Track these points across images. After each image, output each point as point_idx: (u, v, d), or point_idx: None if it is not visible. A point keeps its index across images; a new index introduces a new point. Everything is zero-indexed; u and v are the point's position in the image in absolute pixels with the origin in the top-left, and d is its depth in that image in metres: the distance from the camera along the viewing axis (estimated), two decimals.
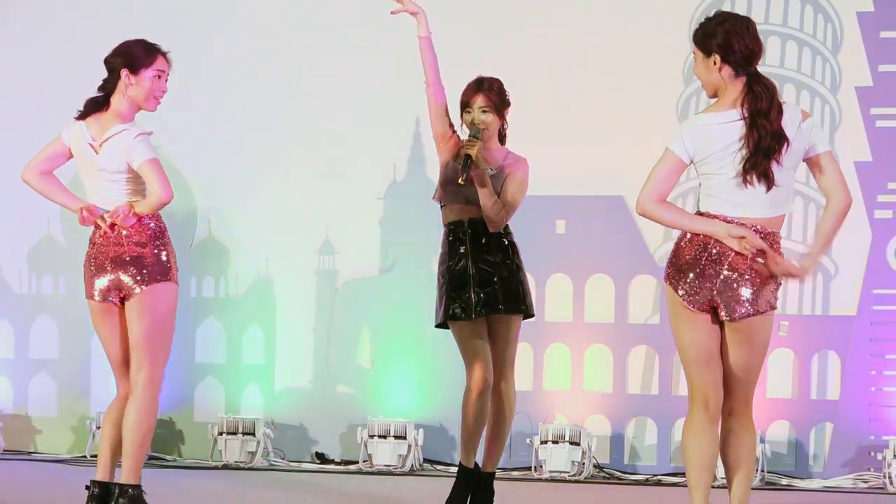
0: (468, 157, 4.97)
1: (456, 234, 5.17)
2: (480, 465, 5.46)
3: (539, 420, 7.72)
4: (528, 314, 5.30)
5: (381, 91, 8.01)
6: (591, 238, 7.88)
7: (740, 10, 7.75)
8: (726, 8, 7.87)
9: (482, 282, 5.09)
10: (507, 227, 5.27)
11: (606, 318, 7.88)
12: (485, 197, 5.04)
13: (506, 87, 5.32)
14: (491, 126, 5.18)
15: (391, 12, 5.31)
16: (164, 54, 4.83)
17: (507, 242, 5.23)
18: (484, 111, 5.15)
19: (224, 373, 8.25)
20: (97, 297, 4.85)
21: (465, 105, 5.18)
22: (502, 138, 5.38)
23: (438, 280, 5.28)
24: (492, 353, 5.18)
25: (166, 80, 4.82)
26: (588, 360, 7.84)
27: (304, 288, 8.16)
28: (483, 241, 5.14)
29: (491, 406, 5.20)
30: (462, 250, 5.13)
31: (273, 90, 8.21)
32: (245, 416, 7.96)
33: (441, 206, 5.30)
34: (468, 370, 5.20)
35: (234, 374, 8.24)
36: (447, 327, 5.28)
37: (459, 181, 4.98)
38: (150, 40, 4.91)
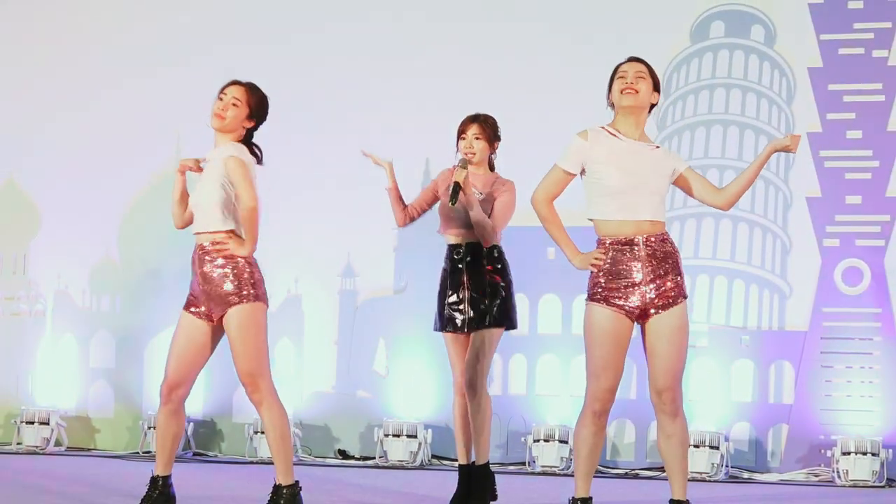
0: (457, 183, 4.94)
1: (454, 255, 5.15)
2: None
3: (532, 421, 7.73)
4: (511, 327, 5.22)
5: (393, 140, 8.01)
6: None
7: (706, 67, 7.93)
8: (694, 65, 7.96)
9: (474, 299, 5.06)
10: (500, 251, 5.19)
11: None
12: (474, 217, 5.02)
13: (499, 124, 5.29)
14: (480, 153, 5.14)
15: (363, 153, 5.19)
16: (237, 83, 4.65)
17: (500, 266, 5.19)
18: (477, 138, 5.13)
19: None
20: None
21: (461, 133, 5.17)
22: (491, 166, 5.32)
23: (440, 292, 5.22)
24: (471, 360, 5.05)
25: (233, 105, 4.58)
26: (575, 368, 7.79)
27: (329, 305, 8.21)
28: (478, 261, 5.11)
29: (469, 409, 5.14)
30: (460, 267, 5.09)
31: (305, 137, 8.22)
32: None
33: (444, 235, 5.33)
34: (454, 375, 5.17)
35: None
36: None
37: (449, 204, 4.95)
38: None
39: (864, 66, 7.55)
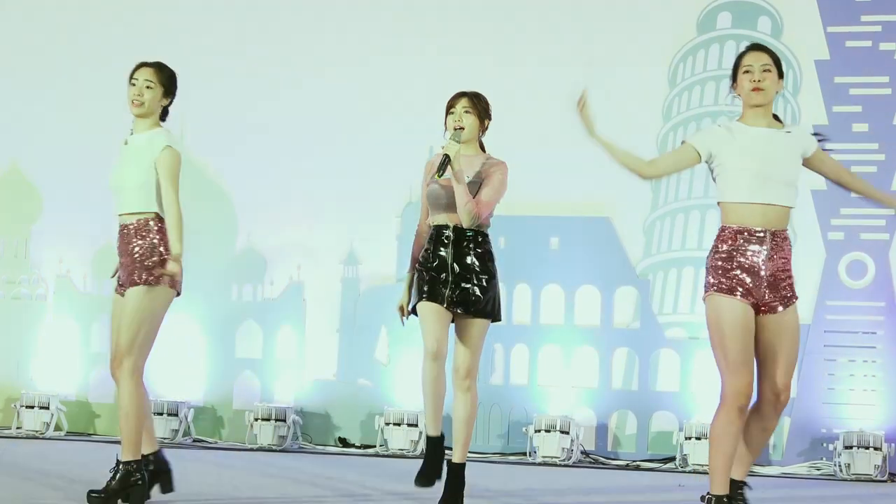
0: (446, 156, 4.64)
1: (440, 235, 4.81)
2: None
3: (534, 412, 7.72)
4: (496, 319, 4.86)
5: (398, 128, 8.01)
6: (580, 253, 7.88)
7: (713, 57, 7.87)
8: (700, 58, 7.91)
9: (458, 282, 4.74)
10: (486, 238, 4.86)
11: (593, 322, 7.85)
12: (459, 195, 4.69)
13: (490, 103, 4.96)
14: (470, 129, 4.81)
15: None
16: (145, 64, 4.70)
17: (482, 251, 4.82)
18: (467, 112, 4.81)
19: (260, 367, 8.25)
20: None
21: (450, 107, 4.85)
22: (482, 148, 4.99)
23: (419, 272, 4.88)
24: (460, 353, 4.80)
25: (147, 87, 4.65)
26: (577, 359, 7.82)
27: (331, 293, 8.16)
28: (463, 245, 4.78)
29: (457, 402, 4.82)
30: (444, 251, 4.77)
31: (307, 126, 8.19)
32: (278, 404, 7.95)
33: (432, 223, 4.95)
34: (427, 342, 4.75)
35: (269, 368, 8.23)
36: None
37: (436, 176, 4.64)
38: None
39: (871, 59, 7.51)
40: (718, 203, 4.29)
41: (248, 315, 8.29)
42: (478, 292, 4.75)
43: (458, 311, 4.76)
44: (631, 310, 7.80)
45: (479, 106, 4.86)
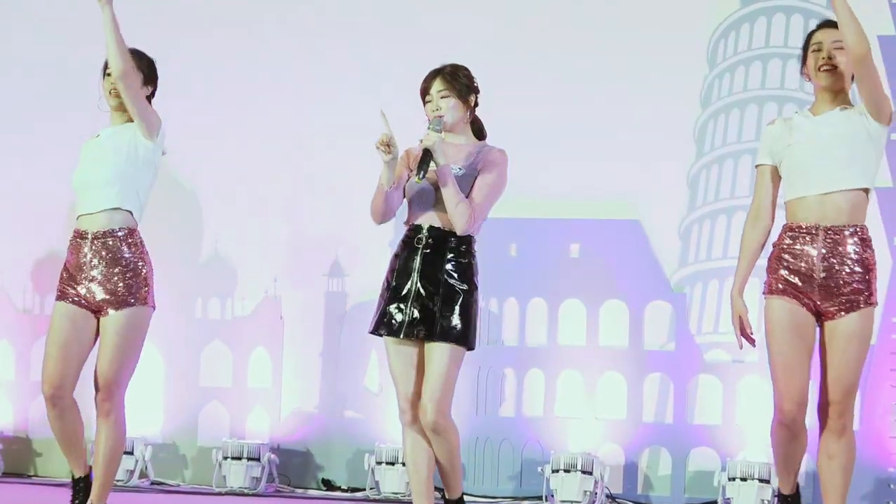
0: (426, 150, 4.42)
1: (412, 239, 4.62)
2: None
3: (551, 448, 7.72)
4: (469, 346, 4.58)
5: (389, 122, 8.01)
6: (605, 262, 7.84)
7: (759, 33, 7.92)
8: (744, 32, 7.95)
9: (421, 300, 4.51)
10: (470, 246, 4.62)
11: (621, 343, 7.82)
12: (448, 197, 4.45)
13: (473, 74, 4.70)
14: (452, 114, 4.57)
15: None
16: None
17: (464, 261, 4.59)
18: (443, 96, 4.56)
19: (229, 396, 8.27)
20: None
21: (424, 94, 4.62)
22: (479, 133, 4.77)
23: (384, 283, 4.69)
24: (425, 385, 4.57)
25: (110, 74, 4.80)
26: (602, 386, 7.82)
27: (313, 310, 8.16)
28: (441, 253, 4.54)
29: (433, 445, 4.62)
30: (414, 259, 4.56)
31: (285, 110, 8.25)
32: (250, 440, 7.97)
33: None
34: (397, 398, 4.68)
35: (240, 398, 8.26)
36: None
37: (415, 178, 4.43)
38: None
39: None
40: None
41: (216, 335, 8.32)
42: (446, 311, 4.51)
43: (421, 333, 4.53)
44: (664, 329, 7.83)
45: (458, 83, 4.59)
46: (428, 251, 4.56)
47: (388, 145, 4.55)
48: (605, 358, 7.85)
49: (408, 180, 4.65)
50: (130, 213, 4.83)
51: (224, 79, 8.30)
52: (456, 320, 4.52)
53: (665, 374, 7.80)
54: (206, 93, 8.07)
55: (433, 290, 4.51)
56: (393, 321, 4.54)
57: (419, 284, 4.52)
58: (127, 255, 4.78)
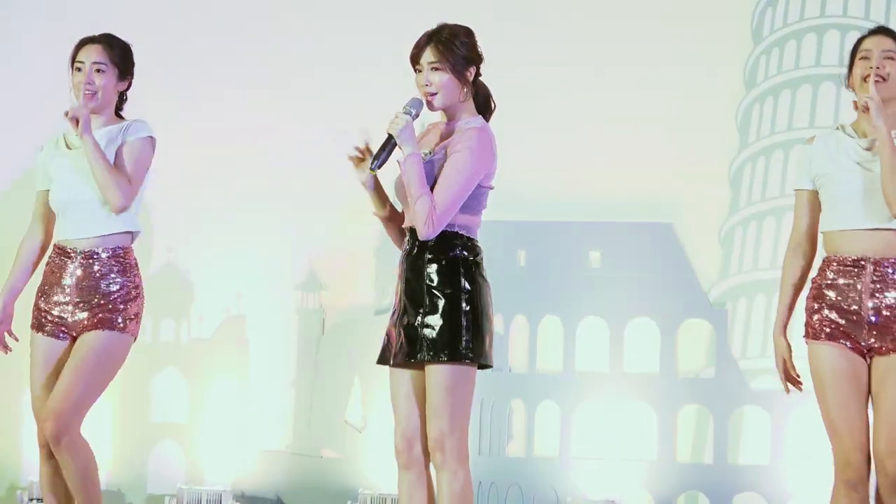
0: (389, 136, 4.28)
1: (405, 246, 4.49)
2: None
3: (567, 495, 7.71)
4: (473, 359, 4.36)
5: (373, 102, 7.95)
6: (631, 273, 7.91)
7: (812, 3, 7.91)
8: (795, 2, 7.96)
9: (409, 317, 4.39)
10: (459, 237, 4.45)
11: (650, 369, 7.91)
12: (408, 190, 4.29)
13: (476, 38, 4.44)
14: (445, 93, 4.39)
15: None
16: (92, 41, 4.88)
17: (451, 258, 4.41)
18: (435, 68, 4.37)
19: (185, 434, 8.25)
20: None
21: (415, 61, 4.41)
22: (485, 104, 4.54)
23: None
24: (434, 422, 4.43)
25: (97, 71, 4.83)
26: (628, 420, 7.87)
27: (284, 330, 8.26)
28: (421, 259, 4.40)
29: (438, 487, 4.47)
30: (403, 270, 4.44)
31: (248, 100, 8.30)
32: (210, 487, 7.93)
33: None
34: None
35: (198, 436, 8.23)
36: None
37: (370, 168, 4.29)
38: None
39: None
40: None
41: (169, 361, 8.30)
42: (431, 322, 4.34)
43: (409, 359, 4.39)
44: (702, 351, 7.89)
45: (453, 55, 4.39)
46: (413, 259, 4.43)
47: (359, 158, 4.43)
48: (631, 387, 7.86)
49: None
50: (125, 231, 4.89)
51: (178, 77, 8.28)
52: (438, 331, 4.33)
53: (703, 405, 7.84)
54: (161, 89, 8.07)
55: (418, 302, 4.39)
56: (388, 345, 4.46)
57: (405, 298, 4.41)
58: (119, 280, 4.84)
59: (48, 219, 4.89)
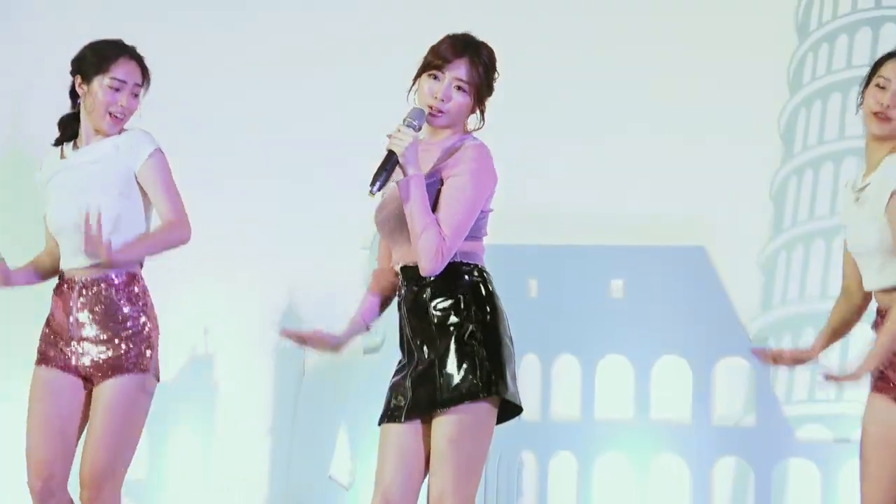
0: (390, 153, 4.24)
1: (399, 289, 4.48)
2: None
3: None
4: (490, 395, 4.32)
5: (363, 114, 8.00)
6: (659, 305, 7.93)
7: None
8: (827, 11, 7.95)
9: (420, 365, 4.38)
10: (463, 266, 4.46)
11: (681, 417, 7.93)
12: (412, 218, 4.29)
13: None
14: (457, 113, 4.40)
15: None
16: (132, 56, 4.92)
17: (458, 290, 4.42)
18: (460, 87, 4.40)
19: (142, 493, 8.19)
20: None
21: (434, 67, 4.42)
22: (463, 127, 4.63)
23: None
24: (431, 478, 4.41)
25: (133, 94, 4.90)
26: (656, 474, 7.90)
27: (258, 372, 8.30)
28: (421, 297, 4.40)
29: None
30: (401, 317, 4.42)
31: (226, 112, 8.38)
32: None
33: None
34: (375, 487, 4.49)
35: (157, 496, 8.23)
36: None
37: (370, 191, 4.24)
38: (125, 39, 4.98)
39: None
40: None
41: None
42: (447, 363, 4.33)
43: (428, 410, 4.36)
44: (741, 395, 7.92)
45: (487, 83, 4.47)
46: (413, 300, 4.40)
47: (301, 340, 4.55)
48: (659, 436, 7.88)
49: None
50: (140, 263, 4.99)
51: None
52: (452, 368, 4.32)
53: (742, 457, 7.85)
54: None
55: (429, 345, 4.37)
56: (390, 404, 4.42)
57: (412, 345, 4.40)
58: (126, 310, 4.89)
59: (53, 245, 4.98)
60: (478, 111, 4.45)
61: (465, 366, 4.30)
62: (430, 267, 4.31)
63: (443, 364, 4.32)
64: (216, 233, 8.20)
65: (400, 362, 4.44)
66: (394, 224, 4.36)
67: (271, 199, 8.27)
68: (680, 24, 7.93)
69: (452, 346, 4.33)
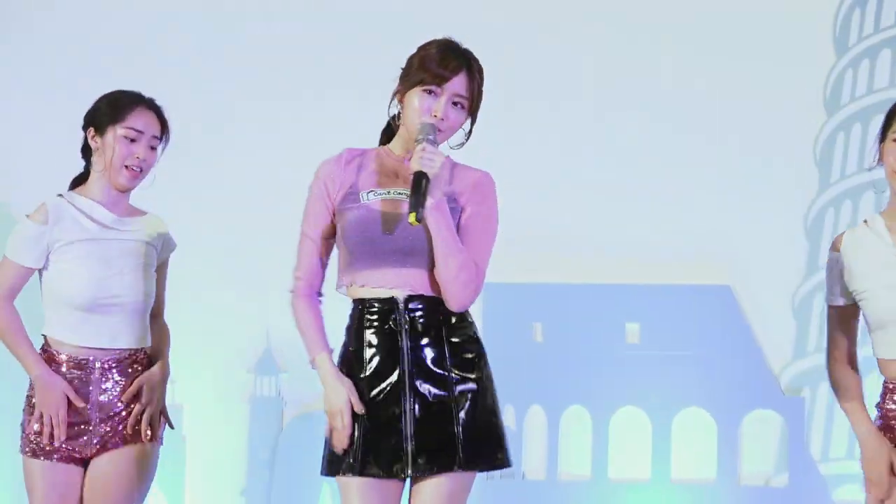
0: (422, 175, 4.34)
1: (384, 321, 4.50)
2: None
3: None
4: (505, 464, 4.43)
5: (342, 136, 8.24)
6: (679, 351, 7.91)
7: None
8: (869, 23, 8.01)
9: (428, 415, 4.42)
10: (472, 317, 4.57)
11: (705, 475, 7.89)
12: (447, 246, 4.42)
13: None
14: (452, 131, 4.49)
15: None
16: (149, 107, 4.99)
17: (472, 336, 4.53)
18: (458, 102, 4.49)
19: None
20: None
21: (431, 83, 4.53)
22: None
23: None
24: None
25: (151, 147, 4.96)
26: None
27: (232, 424, 8.28)
28: (437, 336, 4.48)
29: None
30: (396, 347, 4.43)
31: (198, 133, 8.21)
32: None
33: (346, 286, 4.58)
34: None
35: None
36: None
37: (411, 219, 4.30)
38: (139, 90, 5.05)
39: None
40: None
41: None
42: (465, 419, 4.39)
43: (426, 467, 4.41)
44: (771, 453, 7.91)
45: (478, 93, 4.58)
46: (419, 331, 4.45)
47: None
48: (681, 498, 7.85)
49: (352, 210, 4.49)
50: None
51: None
52: (476, 431, 4.39)
53: None
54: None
55: (445, 396, 4.43)
56: (382, 458, 4.41)
57: (416, 393, 4.44)
58: (121, 381, 5.00)
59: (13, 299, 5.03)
60: (468, 124, 4.55)
61: (489, 430, 4.35)
62: (468, 301, 4.41)
63: (468, 421, 4.36)
64: (184, 273, 8.19)
65: (375, 402, 4.40)
66: (409, 247, 4.38)
67: (244, 240, 8.31)
68: (706, 40, 8.03)
69: (474, 405, 4.40)
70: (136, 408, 4.92)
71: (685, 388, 7.88)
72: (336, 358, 4.48)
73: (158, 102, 4.99)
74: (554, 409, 7.94)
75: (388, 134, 4.63)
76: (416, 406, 4.42)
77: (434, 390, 4.45)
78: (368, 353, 4.45)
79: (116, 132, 4.91)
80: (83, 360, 4.93)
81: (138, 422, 4.95)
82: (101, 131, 4.92)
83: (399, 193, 4.38)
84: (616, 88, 8.04)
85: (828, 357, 4.64)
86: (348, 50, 8.38)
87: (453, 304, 4.43)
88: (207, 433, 8.24)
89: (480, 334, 4.59)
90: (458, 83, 4.50)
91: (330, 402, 4.41)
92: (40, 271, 4.91)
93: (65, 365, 4.92)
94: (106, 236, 4.95)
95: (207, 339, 8.21)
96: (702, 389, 7.88)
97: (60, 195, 4.96)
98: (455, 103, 4.48)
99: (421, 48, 4.55)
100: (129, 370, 4.98)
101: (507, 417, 7.91)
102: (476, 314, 4.85)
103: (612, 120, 8.01)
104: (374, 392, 4.44)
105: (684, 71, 7.94)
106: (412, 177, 4.32)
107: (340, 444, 4.35)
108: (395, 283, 4.43)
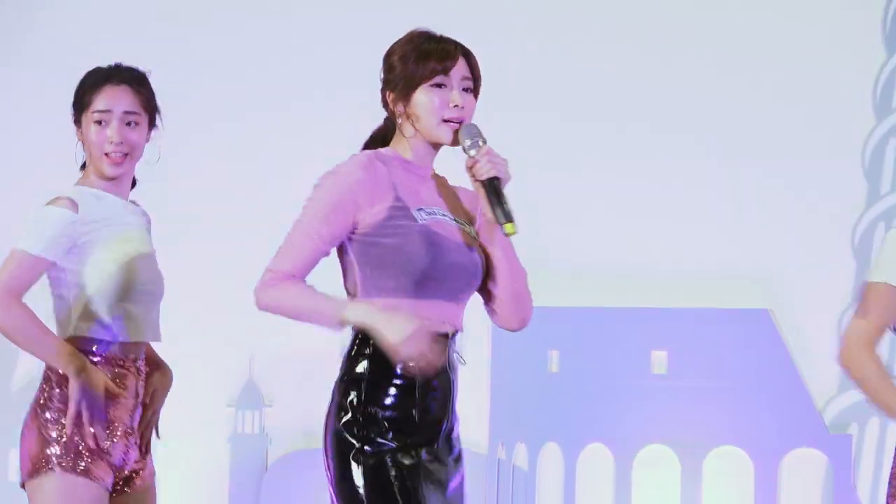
0: (495, 181, 4.38)
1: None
2: None
3: None
4: None
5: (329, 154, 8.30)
6: (712, 382, 7.87)
7: None
8: None
9: (443, 459, 4.47)
10: None
11: None
12: (518, 261, 4.52)
13: None
14: (471, 117, 4.57)
15: None
16: (120, 81, 4.98)
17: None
18: (467, 87, 4.53)
19: None
20: None
21: (437, 73, 4.55)
22: None
23: (358, 454, 4.37)
24: None
25: (126, 123, 4.94)
26: None
27: (212, 463, 8.40)
28: (447, 376, 4.51)
29: None
30: (435, 397, 4.43)
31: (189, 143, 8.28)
32: None
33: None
34: None
35: None
36: None
37: (509, 229, 4.36)
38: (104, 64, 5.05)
39: None
40: None
41: None
42: (462, 470, 4.48)
43: None
44: (815, 495, 7.91)
45: (479, 76, 4.64)
46: (446, 376, 4.49)
47: None
48: None
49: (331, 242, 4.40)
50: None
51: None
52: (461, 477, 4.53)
53: None
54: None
55: (448, 437, 4.53)
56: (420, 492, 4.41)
57: (449, 440, 4.53)
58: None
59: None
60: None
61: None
62: (525, 320, 4.55)
63: (462, 474, 4.46)
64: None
65: (410, 447, 4.36)
66: (471, 274, 4.45)
67: (225, 259, 8.31)
68: (740, 42, 8.08)
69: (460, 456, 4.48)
70: (150, 415, 5.02)
71: (718, 424, 7.85)
72: (348, 415, 4.37)
73: (142, 70, 4.98)
74: (571, 448, 7.91)
75: (376, 145, 4.59)
76: (434, 453, 4.44)
77: (451, 435, 4.49)
78: (428, 398, 4.45)
79: (89, 119, 4.92)
80: (121, 358, 4.98)
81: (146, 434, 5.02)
82: (78, 123, 4.95)
83: (443, 215, 4.41)
84: (639, 99, 8.07)
85: (852, 341, 4.56)
86: (348, 50, 8.40)
87: (524, 320, 4.56)
88: (183, 475, 8.19)
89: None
90: (461, 67, 4.54)
91: (402, 327, 4.28)
92: (62, 267, 4.82)
93: (101, 368, 4.90)
94: (129, 222, 5.00)
95: (183, 368, 8.07)
96: (736, 425, 7.85)
97: (75, 185, 4.95)
98: (465, 89, 4.51)
99: (399, 47, 4.56)
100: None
101: (519, 456, 8.03)
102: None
103: (634, 131, 8.01)
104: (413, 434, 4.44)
105: (716, 77, 7.98)
106: (485, 185, 4.34)
107: (433, 360, 4.31)
108: (446, 317, 4.45)
